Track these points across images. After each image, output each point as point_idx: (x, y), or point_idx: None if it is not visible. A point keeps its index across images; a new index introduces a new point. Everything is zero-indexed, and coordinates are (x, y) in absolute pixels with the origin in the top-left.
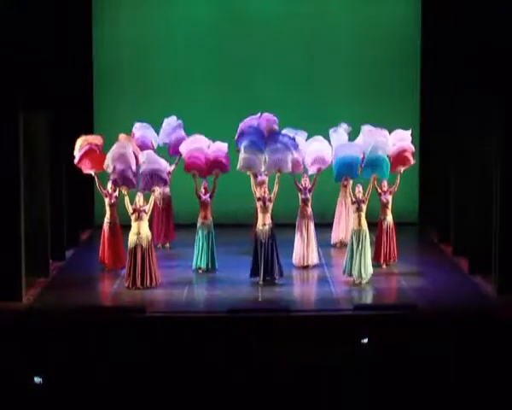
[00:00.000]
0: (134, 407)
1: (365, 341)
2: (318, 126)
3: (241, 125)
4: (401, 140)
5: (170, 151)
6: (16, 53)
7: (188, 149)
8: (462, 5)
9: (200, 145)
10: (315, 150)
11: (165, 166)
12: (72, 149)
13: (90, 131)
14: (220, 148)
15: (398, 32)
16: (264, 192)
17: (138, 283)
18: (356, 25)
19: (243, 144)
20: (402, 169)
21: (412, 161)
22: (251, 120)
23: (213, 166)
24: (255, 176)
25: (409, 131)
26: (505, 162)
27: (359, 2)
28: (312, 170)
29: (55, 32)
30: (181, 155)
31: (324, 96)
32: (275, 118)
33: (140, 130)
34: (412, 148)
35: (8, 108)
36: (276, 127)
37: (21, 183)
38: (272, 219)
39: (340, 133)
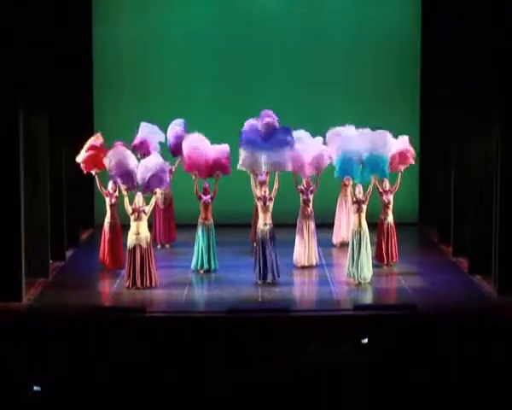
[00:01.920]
0: (134, 407)
1: (365, 341)
2: (318, 126)
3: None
4: (400, 144)
5: (171, 152)
6: (16, 53)
7: (188, 149)
8: (462, 5)
9: (201, 145)
10: (312, 152)
11: (165, 167)
12: (72, 149)
13: (90, 131)
14: (221, 149)
15: (398, 32)
16: (265, 192)
17: (138, 283)
18: (356, 25)
19: (243, 143)
20: (402, 168)
21: (412, 161)
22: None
23: (215, 168)
24: (256, 175)
25: (406, 137)
26: (505, 162)
27: (359, 2)
28: (310, 171)
29: (55, 32)
30: (182, 155)
31: (324, 96)
32: (274, 116)
33: (143, 131)
34: (412, 150)
35: (8, 108)
36: (276, 124)
37: (21, 183)
38: (272, 218)
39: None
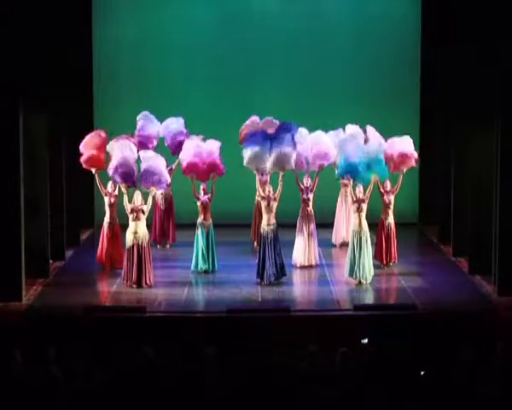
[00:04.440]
0: (133, 407)
1: (365, 341)
2: (317, 126)
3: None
4: (403, 145)
5: (171, 151)
6: (16, 53)
7: (184, 153)
8: (462, 3)
9: (196, 149)
10: (318, 146)
11: (164, 169)
12: (73, 148)
13: (90, 131)
14: (212, 150)
15: (398, 31)
16: (269, 192)
17: (135, 282)
18: (355, 26)
19: (248, 141)
20: (404, 169)
21: (413, 164)
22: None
23: (210, 170)
24: (260, 173)
25: (410, 140)
26: (505, 162)
27: (359, 3)
28: (314, 166)
29: (55, 32)
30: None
31: (324, 96)
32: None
33: (143, 122)
34: (414, 153)
35: (8, 108)
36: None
37: (21, 183)
38: (276, 219)
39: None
